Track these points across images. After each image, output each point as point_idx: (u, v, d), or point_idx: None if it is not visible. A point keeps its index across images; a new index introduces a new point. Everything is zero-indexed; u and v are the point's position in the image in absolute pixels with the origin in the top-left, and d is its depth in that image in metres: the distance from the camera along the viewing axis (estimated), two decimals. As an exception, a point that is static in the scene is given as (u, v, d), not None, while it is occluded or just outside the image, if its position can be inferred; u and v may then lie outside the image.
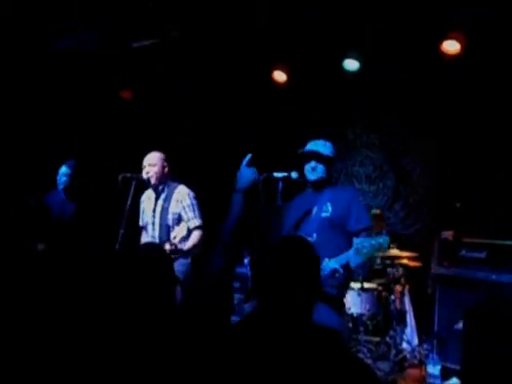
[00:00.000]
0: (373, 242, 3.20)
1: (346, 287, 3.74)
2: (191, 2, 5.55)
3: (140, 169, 4.54)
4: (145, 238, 4.69)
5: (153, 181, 4.48)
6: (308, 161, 3.59)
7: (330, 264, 3.22)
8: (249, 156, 2.89)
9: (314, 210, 3.55)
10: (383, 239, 3.23)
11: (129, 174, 4.37)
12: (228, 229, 2.41)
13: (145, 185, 4.52)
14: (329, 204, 3.52)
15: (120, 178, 4.33)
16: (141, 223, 4.72)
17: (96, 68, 6.67)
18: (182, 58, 6.56)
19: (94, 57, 6.50)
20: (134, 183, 4.34)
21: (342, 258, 3.32)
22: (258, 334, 1.87)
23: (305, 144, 3.71)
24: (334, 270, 3.24)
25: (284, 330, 1.86)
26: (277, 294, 1.91)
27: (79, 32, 6.06)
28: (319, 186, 3.63)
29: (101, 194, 5.86)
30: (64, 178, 5.45)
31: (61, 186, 5.45)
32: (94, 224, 5.34)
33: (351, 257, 3.29)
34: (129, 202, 4.27)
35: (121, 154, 6.69)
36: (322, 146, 3.62)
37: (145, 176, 4.47)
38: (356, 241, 3.28)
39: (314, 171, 3.58)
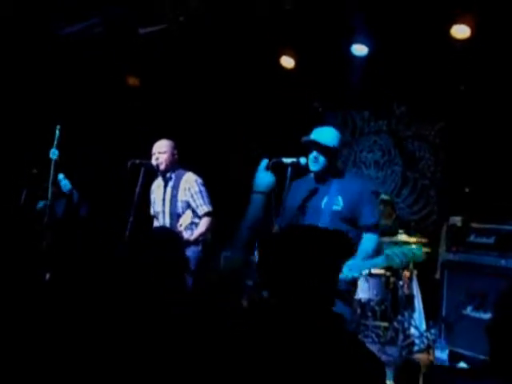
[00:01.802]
0: (405, 250, 3.12)
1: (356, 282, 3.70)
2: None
3: (149, 156, 4.54)
4: (156, 226, 4.70)
5: (162, 167, 4.48)
6: (311, 150, 3.45)
7: (352, 272, 3.12)
8: (265, 161, 2.86)
9: (324, 201, 3.44)
10: (417, 249, 3.16)
11: (138, 161, 4.37)
12: (247, 225, 2.41)
13: (154, 171, 4.52)
14: (340, 198, 3.41)
15: (129, 164, 4.34)
16: (152, 212, 4.73)
17: (103, 54, 6.66)
18: (189, 44, 6.54)
19: (100, 43, 6.49)
20: (143, 170, 4.35)
21: (367, 264, 3.29)
22: (265, 323, 1.87)
23: (311, 130, 3.55)
24: (354, 279, 3.21)
25: (294, 320, 1.86)
26: (286, 282, 1.89)
27: (86, 18, 6.05)
28: (322, 176, 3.51)
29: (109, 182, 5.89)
30: (64, 182, 5.45)
31: (66, 190, 5.46)
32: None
33: (378, 263, 3.26)
34: (138, 189, 4.27)
35: (129, 141, 6.70)
36: (325, 135, 3.46)
37: (154, 163, 4.47)
38: (387, 250, 3.17)
39: (315, 162, 3.44)
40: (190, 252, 4.28)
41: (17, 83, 6.30)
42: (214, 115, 7.42)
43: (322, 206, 3.43)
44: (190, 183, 4.49)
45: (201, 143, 7.17)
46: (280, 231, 3.21)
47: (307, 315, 1.85)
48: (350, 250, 1.95)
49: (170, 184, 4.53)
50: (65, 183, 5.43)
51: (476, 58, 5.92)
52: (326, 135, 3.46)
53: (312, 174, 3.56)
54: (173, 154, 4.53)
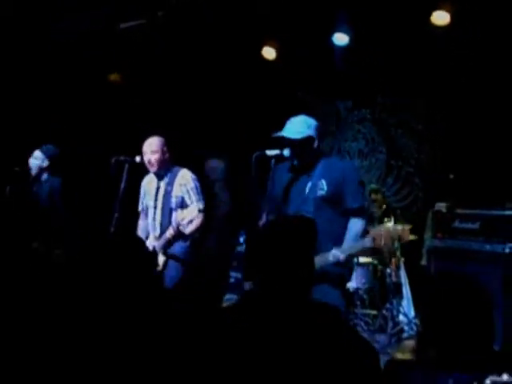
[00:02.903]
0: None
1: (350, 264, 3.67)
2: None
3: (132, 152, 4.50)
4: (143, 222, 4.69)
5: (155, 167, 4.44)
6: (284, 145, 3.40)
7: (338, 255, 3.12)
8: None
9: (308, 186, 3.38)
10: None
11: (122, 158, 4.36)
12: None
13: (138, 168, 4.50)
14: (323, 181, 3.34)
15: (113, 161, 4.32)
16: (140, 207, 4.71)
17: (84, 50, 6.61)
18: (169, 38, 6.50)
19: (81, 39, 6.44)
20: (126, 166, 4.33)
21: (354, 245, 3.24)
22: (256, 313, 1.89)
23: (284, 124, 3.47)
24: (345, 261, 3.20)
25: (281, 308, 1.87)
26: (272, 272, 1.93)
27: (67, 15, 5.99)
28: (302, 165, 3.44)
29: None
30: (34, 162, 5.39)
31: (34, 171, 5.40)
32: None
33: (366, 243, 3.22)
34: (122, 186, 4.26)
35: (112, 137, 6.67)
36: (294, 128, 3.38)
37: (146, 162, 4.44)
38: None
39: (291, 156, 3.39)
40: (178, 247, 4.32)
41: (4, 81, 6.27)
42: (197, 109, 7.39)
43: (307, 191, 3.38)
44: (186, 179, 4.46)
45: (185, 136, 7.14)
46: (263, 224, 3.20)
47: (289, 303, 1.89)
48: (313, 235, 2.02)
49: (166, 180, 4.50)
50: (36, 164, 5.38)
51: (457, 43, 5.94)
52: (295, 128, 3.39)
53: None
54: (164, 152, 4.48)
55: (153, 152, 4.41)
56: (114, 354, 2.01)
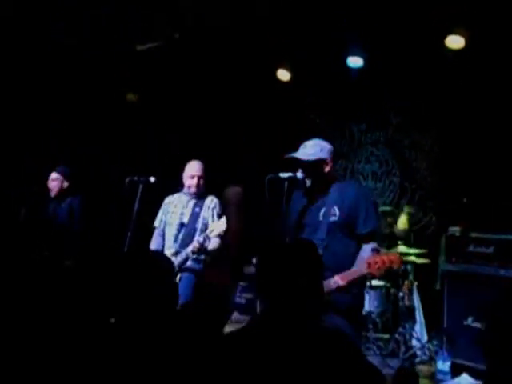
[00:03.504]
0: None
1: (361, 292, 3.58)
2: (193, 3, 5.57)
3: (147, 172, 4.55)
4: (157, 238, 4.74)
5: (195, 190, 4.65)
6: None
7: (335, 282, 3.07)
8: None
9: (322, 212, 3.38)
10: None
11: (136, 178, 4.40)
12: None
13: (151, 188, 4.55)
14: (336, 207, 3.35)
15: (127, 181, 4.37)
16: (157, 224, 4.77)
17: (101, 71, 6.70)
18: (186, 60, 6.58)
19: (98, 59, 6.53)
20: (141, 187, 4.37)
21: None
22: (264, 335, 1.89)
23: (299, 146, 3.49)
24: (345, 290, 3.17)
25: (287, 334, 1.87)
26: (279, 295, 1.94)
27: (83, 35, 6.07)
28: (315, 189, 3.45)
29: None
30: (53, 183, 5.52)
31: (54, 192, 5.53)
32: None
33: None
34: (136, 206, 4.29)
35: (127, 157, 6.72)
36: (307, 150, 3.41)
37: (189, 185, 4.63)
38: None
39: (304, 178, 3.40)
40: (192, 264, 4.46)
41: (11, 100, 6.33)
42: (211, 129, 7.44)
43: (320, 217, 3.38)
44: (215, 204, 4.68)
45: (200, 157, 7.17)
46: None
47: (295, 329, 1.90)
48: (313, 260, 2.05)
49: (194, 201, 4.67)
50: (55, 185, 5.54)
51: (471, 67, 5.94)
52: (307, 150, 3.41)
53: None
54: (206, 177, 4.71)
55: (199, 177, 4.65)
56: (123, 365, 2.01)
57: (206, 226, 4.53)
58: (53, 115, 6.69)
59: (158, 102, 7.31)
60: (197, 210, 4.62)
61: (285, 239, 3.34)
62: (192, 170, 4.66)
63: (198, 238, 4.34)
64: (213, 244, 4.43)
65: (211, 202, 4.67)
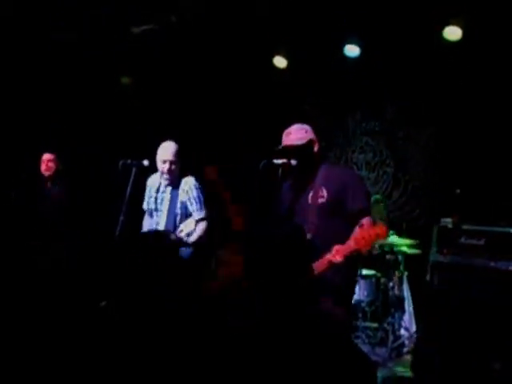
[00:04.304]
0: None
1: (353, 275, 3.59)
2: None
3: (140, 155, 4.51)
4: (147, 222, 4.71)
5: (173, 175, 4.49)
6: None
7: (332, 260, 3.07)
8: None
9: (310, 195, 3.40)
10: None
11: (129, 161, 4.36)
12: None
13: (145, 171, 4.52)
14: (324, 188, 3.37)
15: (120, 164, 4.33)
16: (145, 207, 4.74)
17: (95, 54, 6.64)
18: (181, 44, 6.53)
19: (92, 42, 6.47)
20: (134, 170, 4.34)
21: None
22: (260, 323, 1.89)
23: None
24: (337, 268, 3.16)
25: (278, 316, 1.89)
26: (270, 283, 1.94)
27: (77, 18, 6.01)
28: (304, 172, 3.46)
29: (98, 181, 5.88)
30: (50, 164, 5.54)
31: (46, 173, 5.55)
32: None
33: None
34: (129, 189, 4.26)
35: (121, 141, 6.68)
36: (295, 135, 3.44)
37: (164, 170, 4.45)
38: None
39: (298, 165, 3.41)
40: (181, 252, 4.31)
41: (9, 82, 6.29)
42: (206, 115, 7.40)
43: (309, 200, 3.41)
44: (190, 187, 4.54)
45: (195, 143, 7.14)
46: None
47: (284, 311, 1.90)
48: (299, 242, 2.06)
49: (172, 185, 4.55)
50: (50, 166, 5.60)
51: (468, 59, 5.94)
52: (295, 135, 3.44)
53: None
54: (179, 161, 4.53)
55: (171, 162, 4.46)
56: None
57: (186, 210, 4.50)
58: (48, 98, 6.64)
59: (154, 87, 7.25)
60: (174, 194, 4.53)
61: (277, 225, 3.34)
62: (163, 155, 4.47)
63: (172, 235, 4.26)
64: (192, 238, 4.40)
65: (185, 184, 4.54)
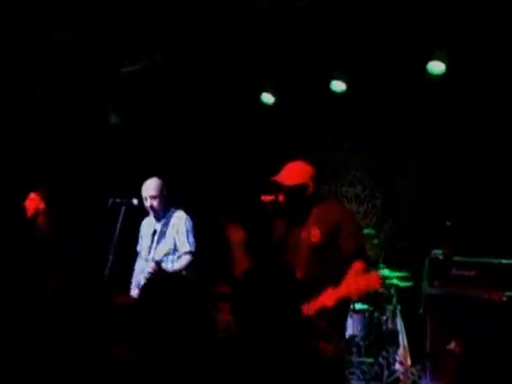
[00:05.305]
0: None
1: (341, 316, 3.47)
2: (176, 26, 5.60)
3: (130, 194, 4.51)
4: (139, 262, 4.69)
5: (155, 212, 4.50)
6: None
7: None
8: None
9: (302, 234, 3.37)
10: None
11: (118, 200, 4.36)
12: None
13: (134, 210, 4.51)
14: (316, 228, 3.32)
15: (110, 203, 4.33)
16: (139, 248, 4.72)
17: (85, 94, 6.68)
18: (169, 82, 6.59)
19: (83, 82, 6.51)
20: (123, 209, 4.33)
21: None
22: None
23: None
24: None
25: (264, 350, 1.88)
26: (257, 319, 1.94)
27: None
28: (297, 211, 3.42)
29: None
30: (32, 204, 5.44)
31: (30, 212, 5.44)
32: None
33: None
34: (118, 228, 4.25)
35: (110, 180, 6.68)
36: (290, 173, 3.39)
37: (147, 207, 4.47)
38: None
39: (286, 203, 3.37)
40: None
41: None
42: (195, 151, 7.41)
43: (302, 240, 3.37)
44: (179, 221, 4.53)
45: (183, 178, 7.14)
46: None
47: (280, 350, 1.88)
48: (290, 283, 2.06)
49: (162, 222, 4.54)
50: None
51: (453, 92, 6.02)
52: (290, 174, 3.40)
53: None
54: (164, 195, 4.51)
55: (152, 197, 4.45)
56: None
57: (174, 245, 4.48)
58: (38, 136, 6.65)
59: (142, 122, 7.26)
60: (164, 229, 4.53)
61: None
62: (144, 192, 4.48)
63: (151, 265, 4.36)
64: (176, 266, 4.42)
65: (175, 218, 4.55)
